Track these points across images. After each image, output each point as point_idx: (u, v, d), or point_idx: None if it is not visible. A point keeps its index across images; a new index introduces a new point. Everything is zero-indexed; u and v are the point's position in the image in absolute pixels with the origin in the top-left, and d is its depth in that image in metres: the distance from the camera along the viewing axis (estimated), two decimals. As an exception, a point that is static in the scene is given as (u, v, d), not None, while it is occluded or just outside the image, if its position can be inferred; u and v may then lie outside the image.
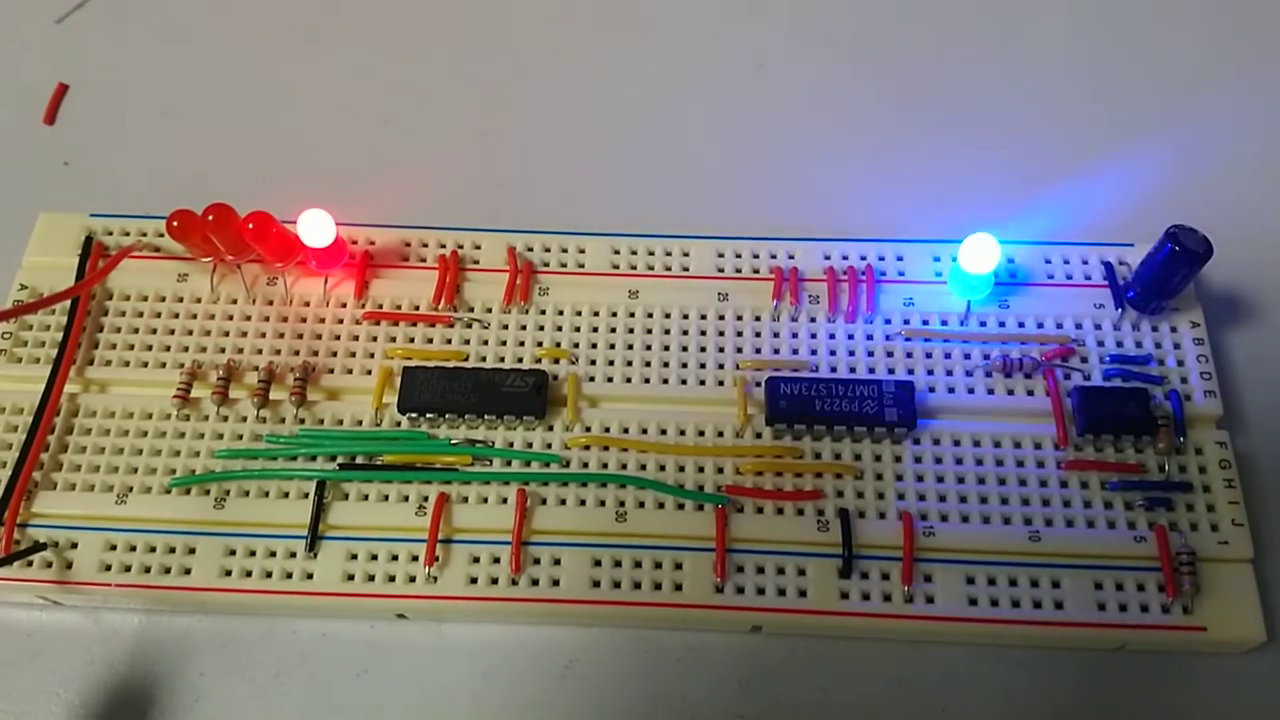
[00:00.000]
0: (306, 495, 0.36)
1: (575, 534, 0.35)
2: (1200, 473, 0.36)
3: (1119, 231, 0.41)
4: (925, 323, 0.39)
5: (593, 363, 0.38)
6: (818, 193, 0.45)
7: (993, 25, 0.50)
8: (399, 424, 0.37)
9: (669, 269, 0.40)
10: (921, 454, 0.37)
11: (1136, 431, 0.36)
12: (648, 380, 0.38)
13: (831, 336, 0.39)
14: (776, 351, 0.39)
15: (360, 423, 0.37)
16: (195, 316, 0.39)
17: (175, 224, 0.37)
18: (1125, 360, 0.38)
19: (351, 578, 0.35)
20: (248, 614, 0.36)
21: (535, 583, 0.35)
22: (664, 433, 0.37)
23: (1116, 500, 0.36)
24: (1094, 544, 0.35)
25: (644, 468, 0.36)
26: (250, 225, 0.37)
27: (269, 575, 0.35)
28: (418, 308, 0.39)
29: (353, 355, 0.39)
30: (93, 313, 0.39)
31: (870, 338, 0.39)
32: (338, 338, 0.39)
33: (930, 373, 0.38)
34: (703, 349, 0.39)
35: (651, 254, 0.41)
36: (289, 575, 0.35)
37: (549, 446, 0.37)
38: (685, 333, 0.39)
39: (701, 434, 0.37)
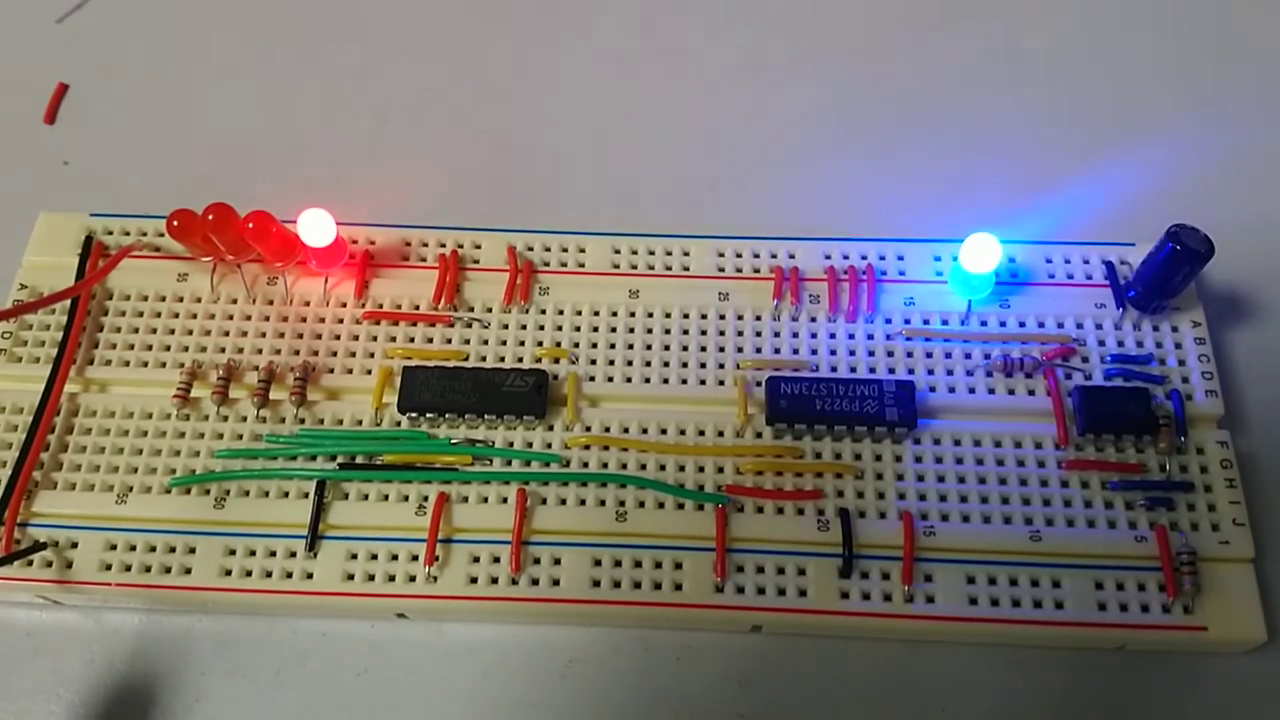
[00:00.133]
0: (306, 495, 0.36)
1: (575, 534, 0.35)
2: (1201, 472, 0.36)
3: (1120, 231, 0.41)
4: (926, 322, 0.39)
5: (593, 362, 0.38)
6: (818, 192, 0.45)
7: (993, 25, 0.50)
8: (399, 424, 0.37)
9: (669, 269, 0.40)
10: (922, 454, 0.37)
11: (1137, 431, 0.36)
12: (648, 380, 0.38)
13: (832, 336, 0.39)
14: (777, 351, 0.39)
15: (360, 422, 0.37)
16: (195, 316, 0.39)
17: (175, 224, 0.37)
18: (1126, 360, 0.38)
19: (351, 577, 0.35)
20: (248, 613, 0.36)
21: (535, 582, 0.35)
22: (664, 432, 0.37)
23: (1117, 500, 0.36)
24: (1094, 544, 0.35)
25: (644, 467, 0.36)
26: (250, 225, 0.37)
27: (269, 575, 0.35)
28: (418, 307, 0.39)
29: (353, 355, 0.39)
30: (93, 312, 0.39)
31: (871, 337, 0.39)
32: (338, 337, 0.39)
33: (931, 372, 0.38)
34: (703, 349, 0.39)
35: (652, 254, 0.41)
36: (289, 575, 0.35)
37: (549, 446, 0.37)
38: (685, 332, 0.39)
39: (702, 434, 0.37)
